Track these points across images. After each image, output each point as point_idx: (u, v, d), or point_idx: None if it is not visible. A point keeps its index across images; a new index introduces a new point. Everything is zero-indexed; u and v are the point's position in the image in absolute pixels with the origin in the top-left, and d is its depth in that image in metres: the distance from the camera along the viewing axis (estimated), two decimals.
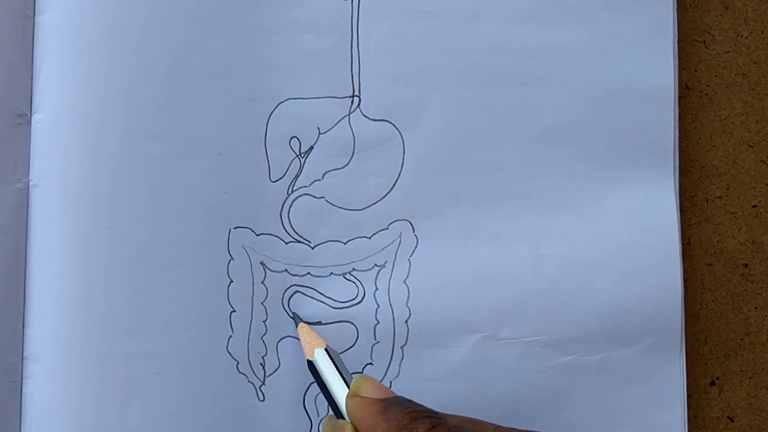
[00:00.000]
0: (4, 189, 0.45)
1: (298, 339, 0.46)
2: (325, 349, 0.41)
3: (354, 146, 0.47)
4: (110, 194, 0.46)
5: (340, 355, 0.44)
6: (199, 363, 0.46)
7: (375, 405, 0.37)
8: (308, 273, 0.47)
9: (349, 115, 0.47)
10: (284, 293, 0.46)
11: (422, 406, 0.37)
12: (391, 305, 0.46)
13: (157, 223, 0.46)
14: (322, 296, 0.46)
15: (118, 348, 0.45)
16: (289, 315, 0.46)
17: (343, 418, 0.39)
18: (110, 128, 0.46)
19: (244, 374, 0.46)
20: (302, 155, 0.47)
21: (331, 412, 0.41)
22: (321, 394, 0.42)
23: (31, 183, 0.46)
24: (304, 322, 0.45)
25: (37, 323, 0.45)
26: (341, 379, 0.40)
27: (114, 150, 0.46)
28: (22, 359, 0.45)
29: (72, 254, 0.45)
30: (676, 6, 0.48)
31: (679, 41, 0.48)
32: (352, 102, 0.47)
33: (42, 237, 0.45)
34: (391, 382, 0.46)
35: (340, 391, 0.39)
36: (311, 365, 0.41)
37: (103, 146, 0.46)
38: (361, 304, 0.47)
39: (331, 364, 0.41)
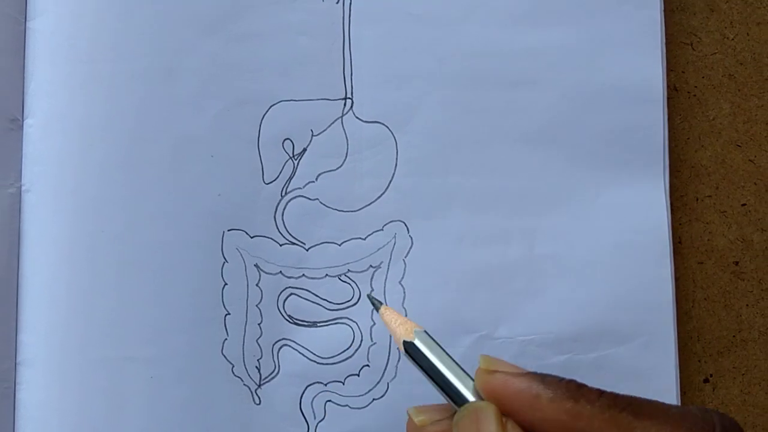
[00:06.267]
0: None
1: (293, 342, 0.46)
2: (425, 331, 0.37)
3: (347, 148, 0.47)
4: (103, 198, 0.46)
5: (336, 356, 0.44)
6: (193, 367, 0.45)
7: (529, 377, 0.33)
8: (303, 275, 0.46)
9: (341, 116, 0.47)
10: (279, 295, 0.46)
11: None
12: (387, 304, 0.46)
13: (150, 227, 0.46)
14: (318, 298, 0.46)
15: (111, 353, 0.45)
16: (285, 317, 0.46)
17: (462, 403, 0.34)
18: (102, 132, 0.46)
19: (239, 377, 0.46)
20: (295, 157, 0.47)
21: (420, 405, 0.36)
22: (318, 392, 0.42)
23: (23, 188, 0.45)
24: (381, 303, 0.39)
25: (30, 329, 0.45)
26: (451, 359, 0.35)
27: (106, 154, 0.46)
28: (15, 365, 0.45)
29: (65, 259, 0.45)
30: (663, 8, 0.48)
31: (666, 43, 0.49)
32: (345, 104, 0.47)
33: (35, 242, 0.45)
34: (388, 383, 0.46)
35: (457, 372, 0.35)
36: (413, 348, 0.36)
37: (95, 150, 0.46)
38: (356, 305, 0.47)
39: (436, 344, 0.36)
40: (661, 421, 0.31)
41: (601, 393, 0.33)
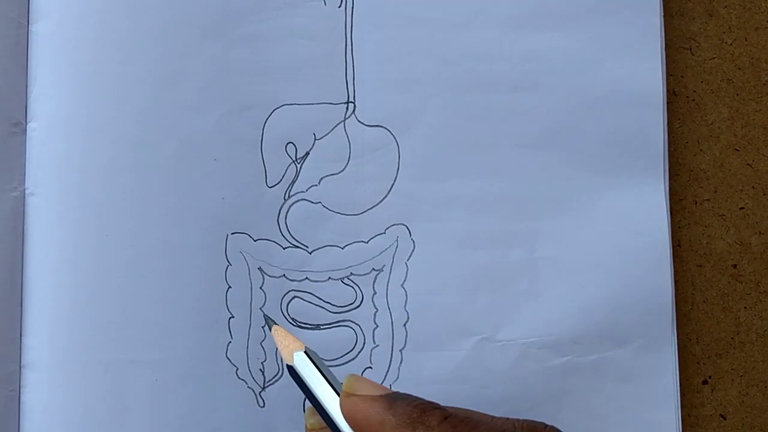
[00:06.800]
0: (0, 198, 0.45)
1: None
2: (305, 352, 0.38)
3: (350, 152, 0.47)
4: (106, 202, 0.46)
5: (339, 359, 0.44)
6: (198, 370, 0.46)
7: (378, 401, 0.35)
8: (306, 278, 0.47)
9: (344, 120, 0.47)
10: (282, 298, 0.46)
11: (425, 399, 0.35)
12: (389, 309, 0.47)
13: (153, 230, 0.46)
14: (321, 301, 0.47)
15: (116, 356, 0.45)
16: (288, 320, 0.46)
17: (333, 425, 0.36)
18: (105, 135, 0.46)
19: (243, 380, 0.46)
20: (298, 161, 0.47)
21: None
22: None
23: (27, 191, 0.46)
24: (278, 324, 0.41)
25: (35, 332, 0.45)
26: (327, 382, 0.37)
27: (110, 157, 0.46)
28: (20, 368, 0.45)
29: (69, 262, 0.45)
30: (662, 13, 0.49)
31: (665, 48, 0.49)
32: (347, 108, 0.47)
33: (39, 245, 0.45)
34: (390, 385, 0.46)
35: (328, 395, 0.37)
36: (292, 371, 0.38)
37: (98, 154, 0.46)
38: (359, 308, 0.47)
39: (314, 367, 0.38)
40: None
41: (444, 417, 0.34)
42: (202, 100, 0.46)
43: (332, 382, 0.37)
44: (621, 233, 0.48)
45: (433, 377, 0.46)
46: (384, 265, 0.47)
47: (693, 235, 0.50)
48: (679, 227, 0.50)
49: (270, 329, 0.40)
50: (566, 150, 0.48)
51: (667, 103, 0.49)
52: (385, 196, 0.47)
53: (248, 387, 0.46)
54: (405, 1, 0.48)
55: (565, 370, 0.47)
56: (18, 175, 0.45)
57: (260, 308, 0.46)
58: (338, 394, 0.37)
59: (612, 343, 0.47)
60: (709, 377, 0.49)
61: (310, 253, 0.47)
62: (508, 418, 0.36)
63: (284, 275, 0.47)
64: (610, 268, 0.48)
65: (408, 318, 0.47)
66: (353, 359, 0.46)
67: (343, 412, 0.36)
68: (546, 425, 0.36)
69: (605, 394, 0.47)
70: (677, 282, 0.49)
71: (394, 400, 0.35)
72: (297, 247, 0.47)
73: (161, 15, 0.46)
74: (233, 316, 0.46)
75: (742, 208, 0.50)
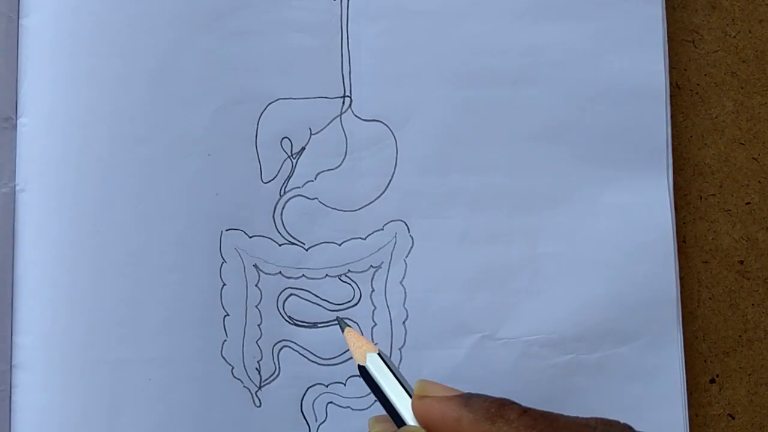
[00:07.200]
0: None
1: (294, 343, 0.45)
2: (378, 354, 0.39)
3: (346, 147, 0.46)
4: (98, 198, 0.45)
5: (337, 357, 0.43)
6: (192, 369, 0.45)
7: (453, 401, 0.35)
8: (303, 275, 0.46)
9: (340, 115, 0.46)
10: (279, 296, 0.46)
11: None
12: (387, 307, 0.46)
13: (146, 227, 0.45)
14: (318, 298, 0.46)
15: (108, 355, 0.44)
16: (285, 318, 0.46)
17: (403, 425, 0.36)
18: (97, 131, 0.45)
19: (239, 379, 0.45)
20: (294, 156, 0.46)
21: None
22: (319, 394, 0.41)
23: (17, 187, 0.45)
24: (348, 325, 0.41)
25: (26, 331, 0.44)
26: (399, 384, 0.38)
27: (101, 153, 0.45)
28: (11, 368, 0.44)
29: (60, 260, 0.45)
30: (665, 5, 0.48)
31: (668, 41, 0.48)
32: (344, 102, 0.46)
33: (29, 242, 0.45)
34: None
35: (400, 396, 0.37)
36: (364, 371, 0.39)
37: (90, 149, 0.45)
38: (357, 306, 0.46)
39: (387, 368, 0.38)
40: None
41: (524, 411, 0.34)
42: (195, 95, 0.46)
43: (405, 386, 0.38)
44: (624, 229, 0.47)
45: (433, 376, 0.45)
46: (382, 262, 0.46)
47: (698, 231, 0.49)
48: (685, 223, 0.49)
49: (342, 331, 0.40)
50: (567, 144, 0.47)
51: (671, 96, 0.48)
52: (383, 192, 0.46)
53: (244, 386, 0.45)
54: None
55: (568, 369, 0.46)
56: (8, 171, 0.45)
57: (255, 306, 0.45)
58: (410, 396, 0.37)
59: (616, 341, 0.46)
60: (717, 376, 0.48)
61: (307, 250, 0.46)
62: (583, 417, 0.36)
63: (280, 272, 0.46)
64: (613, 264, 0.47)
65: (407, 316, 0.46)
66: (351, 358, 0.45)
67: (415, 413, 0.36)
68: (620, 423, 0.35)
69: (610, 393, 0.46)
70: (683, 278, 0.48)
71: (469, 398, 0.35)
72: (293, 243, 0.46)
73: (153, 9, 0.46)
74: (228, 314, 0.45)
75: (748, 203, 0.49)
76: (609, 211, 0.47)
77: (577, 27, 0.47)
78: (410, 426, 0.36)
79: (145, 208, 0.45)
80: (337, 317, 0.45)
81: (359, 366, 0.39)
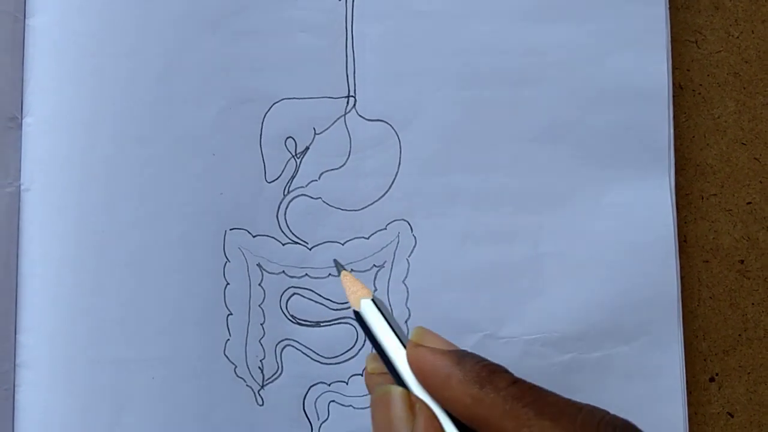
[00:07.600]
0: None
1: (296, 342, 0.45)
2: (372, 300, 0.37)
3: (350, 146, 0.47)
4: (103, 197, 0.45)
5: (340, 356, 0.44)
6: (195, 367, 0.45)
7: (447, 355, 0.33)
8: (306, 274, 0.46)
9: (344, 115, 0.47)
10: (282, 295, 0.46)
11: (493, 361, 0.34)
12: (390, 306, 0.46)
13: (151, 226, 0.45)
14: (321, 298, 0.46)
15: (112, 354, 0.45)
16: (288, 317, 0.46)
17: (396, 374, 0.35)
18: (102, 131, 0.45)
19: (242, 378, 0.45)
20: (298, 155, 0.46)
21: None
22: (322, 393, 0.41)
23: (22, 187, 0.45)
24: (345, 269, 0.40)
25: (30, 330, 0.44)
26: (393, 332, 0.36)
27: (106, 153, 0.45)
28: (15, 367, 0.44)
29: (65, 259, 0.45)
30: (668, 6, 0.48)
31: (671, 41, 0.48)
32: (348, 102, 0.47)
33: (34, 241, 0.45)
34: None
35: (393, 344, 0.35)
36: (358, 316, 0.37)
37: (95, 149, 0.45)
38: None
39: (380, 315, 0.37)
40: (563, 425, 0.31)
41: (513, 381, 0.33)
42: (200, 95, 0.46)
43: (398, 333, 0.36)
44: (626, 228, 0.47)
45: None
46: (385, 262, 0.46)
47: (699, 231, 0.49)
48: (686, 222, 0.49)
49: (339, 274, 0.39)
50: (570, 144, 0.47)
51: (673, 96, 0.48)
52: (386, 192, 0.47)
53: (247, 385, 0.45)
54: None
55: (569, 368, 0.46)
56: (13, 170, 0.45)
57: (259, 305, 0.46)
58: (404, 346, 0.35)
59: (617, 340, 0.47)
60: (716, 374, 0.48)
61: (310, 249, 0.46)
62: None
63: (284, 272, 0.46)
64: (614, 263, 0.47)
65: (409, 315, 0.46)
66: (353, 357, 0.46)
67: (409, 361, 0.35)
68: (609, 412, 0.33)
69: (610, 392, 0.46)
70: (684, 278, 0.48)
71: (462, 356, 0.34)
72: (296, 243, 0.46)
73: (159, 9, 0.46)
74: (231, 313, 0.45)
75: (749, 203, 0.49)
76: (611, 211, 0.47)
77: (580, 27, 0.48)
78: (388, 387, 0.35)
79: (149, 208, 0.45)
80: (335, 259, 0.43)
81: (354, 311, 0.37)
